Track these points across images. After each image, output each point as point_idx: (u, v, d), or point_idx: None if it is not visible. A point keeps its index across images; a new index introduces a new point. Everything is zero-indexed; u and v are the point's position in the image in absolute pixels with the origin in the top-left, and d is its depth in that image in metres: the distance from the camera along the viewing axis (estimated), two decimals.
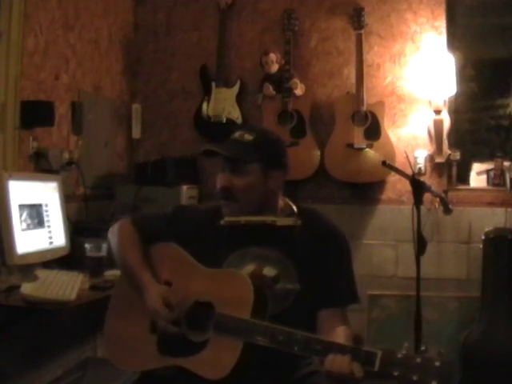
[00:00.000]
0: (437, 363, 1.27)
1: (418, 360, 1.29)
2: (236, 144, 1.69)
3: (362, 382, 1.34)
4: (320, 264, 1.67)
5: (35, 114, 2.65)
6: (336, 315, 1.64)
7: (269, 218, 1.69)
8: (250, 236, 1.70)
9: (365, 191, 3.46)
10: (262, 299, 1.56)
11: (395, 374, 1.29)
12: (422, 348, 1.31)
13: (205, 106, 3.56)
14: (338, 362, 1.35)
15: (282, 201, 1.77)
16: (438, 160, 3.36)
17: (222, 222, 1.71)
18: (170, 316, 1.60)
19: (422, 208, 2.64)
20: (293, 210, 1.75)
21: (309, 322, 1.61)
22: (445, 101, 3.34)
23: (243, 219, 1.69)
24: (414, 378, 1.28)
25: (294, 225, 1.68)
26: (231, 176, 1.68)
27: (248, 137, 1.69)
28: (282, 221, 1.69)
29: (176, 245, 1.74)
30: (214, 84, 3.55)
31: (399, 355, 1.31)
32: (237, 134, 1.71)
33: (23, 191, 2.35)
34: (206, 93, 3.57)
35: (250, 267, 1.66)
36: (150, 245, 1.79)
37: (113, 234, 1.86)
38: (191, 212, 1.88)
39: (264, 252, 1.68)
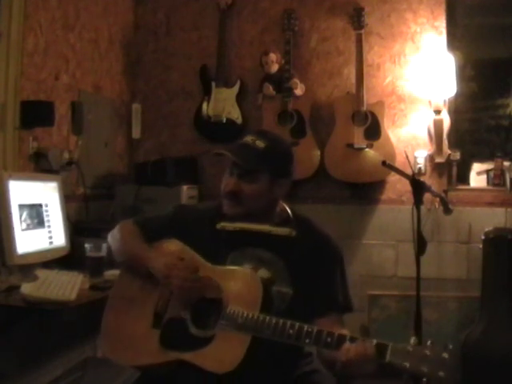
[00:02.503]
0: (445, 355, 1.32)
1: (427, 352, 1.33)
2: (247, 150, 1.68)
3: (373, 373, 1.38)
4: (313, 272, 1.67)
5: (35, 114, 2.65)
6: (333, 323, 1.62)
7: (264, 228, 1.69)
8: (247, 236, 1.70)
9: (365, 191, 3.46)
10: (268, 298, 1.58)
11: (406, 365, 1.33)
12: (429, 342, 1.36)
13: (205, 105, 3.56)
14: (352, 350, 1.39)
15: (278, 205, 1.77)
16: (438, 160, 3.36)
17: (218, 227, 1.71)
18: (185, 265, 1.62)
19: (422, 208, 2.63)
20: (288, 215, 1.76)
21: None
22: (445, 101, 3.34)
23: (238, 226, 1.70)
24: (424, 369, 1.32)
25: (289, 235, 1.68)
26: (239, 181, 1.68)
27: (260, 143, 1.67)
28: (276, 231, 1.69)
29: (179, 242, 1.75)
30: (213, 84, 3.55)
31: (409, 347, 1.35)
32: (249, 139, 1.70)
33: (23, 191, 2.35)
34: (206, 93, 3.57)
35: (246, 267, 1.67)
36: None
37: (114, 235, 1.87)
38: (192, 211, 1.90)
39: (260, 254, 1.69)
